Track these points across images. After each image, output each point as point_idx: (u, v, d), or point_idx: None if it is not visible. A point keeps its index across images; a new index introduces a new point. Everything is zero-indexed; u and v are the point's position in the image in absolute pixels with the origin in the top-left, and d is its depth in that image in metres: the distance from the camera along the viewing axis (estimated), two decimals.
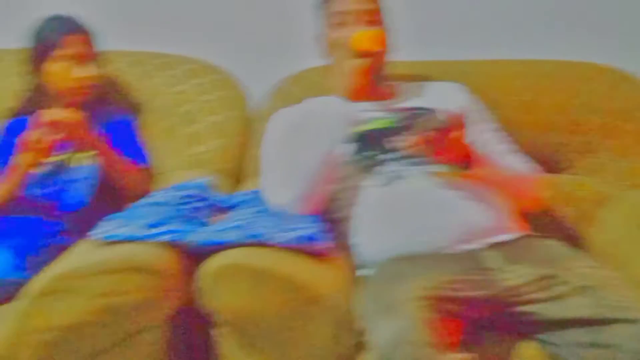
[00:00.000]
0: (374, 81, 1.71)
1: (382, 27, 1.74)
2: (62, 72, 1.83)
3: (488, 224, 1.55)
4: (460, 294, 1.38)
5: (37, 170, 1.80)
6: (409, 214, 1.56)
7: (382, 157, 1.66)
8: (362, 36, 1.64)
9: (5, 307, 1.49)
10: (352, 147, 1.68)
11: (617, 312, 1.33)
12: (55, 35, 1.83)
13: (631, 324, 1.31)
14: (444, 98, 1.77)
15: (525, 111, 1.94)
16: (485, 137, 1.72)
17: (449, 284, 1.38)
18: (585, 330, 1.35)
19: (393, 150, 1.65)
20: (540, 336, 1.41)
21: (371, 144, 1.68)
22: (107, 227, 1.47)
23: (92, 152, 1.78)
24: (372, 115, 1.72)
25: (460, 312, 1.37)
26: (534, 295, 1.41)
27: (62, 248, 1.57)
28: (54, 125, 1.68)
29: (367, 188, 1.63)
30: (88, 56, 1.84)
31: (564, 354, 1.37)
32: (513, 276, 1.43)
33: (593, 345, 1.33)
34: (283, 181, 1.62)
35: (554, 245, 1.55)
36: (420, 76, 1.92)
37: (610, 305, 1.35)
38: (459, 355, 1.29)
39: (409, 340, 1.27)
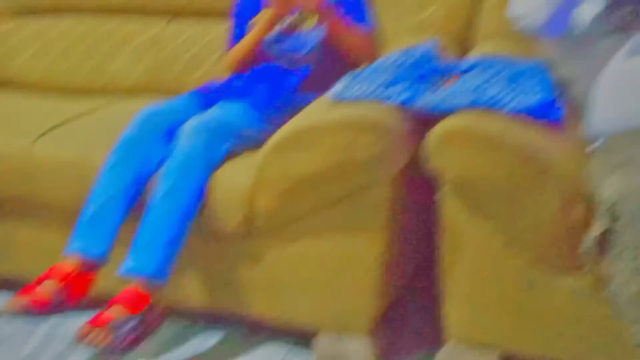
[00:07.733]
0: None
1: None
2: None
3: None
4: None
5: (270, 33, 1.88)
6: None
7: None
8: None
9: (250, 156, 1.60)
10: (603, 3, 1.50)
11: None
12: None
13: None
14: None
15: None
16: None
17: None
18: None
19: None
20: None
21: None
22: (343, 87, 1.52)
23: (320, 16, 1.82)
24: None
25: None
26: None
27: (298, 105, 1.65)
28: None
29: (612, 54, 1.50)
30: None
31: None
32: None
33: None
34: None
35: None
36: None
37: None
38: None
39: None
